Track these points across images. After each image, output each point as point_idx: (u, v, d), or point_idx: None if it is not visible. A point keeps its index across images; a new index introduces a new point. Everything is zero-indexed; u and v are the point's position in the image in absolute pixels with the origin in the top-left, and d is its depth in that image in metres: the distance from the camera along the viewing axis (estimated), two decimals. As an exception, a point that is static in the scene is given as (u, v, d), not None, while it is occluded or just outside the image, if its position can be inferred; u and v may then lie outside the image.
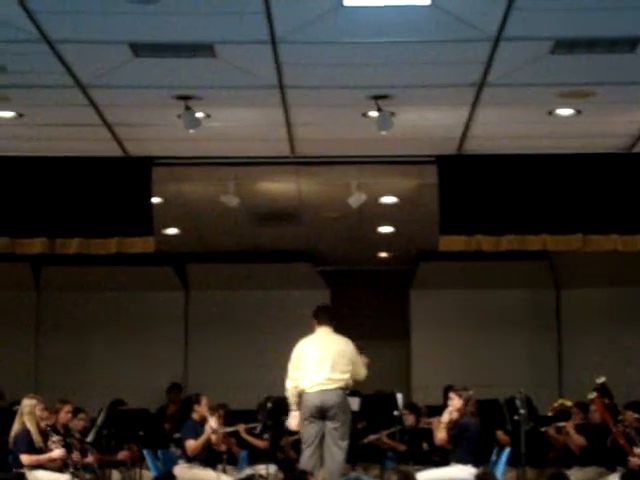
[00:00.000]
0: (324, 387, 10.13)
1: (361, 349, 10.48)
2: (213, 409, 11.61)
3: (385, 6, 7.56)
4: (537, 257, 14.79)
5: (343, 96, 9.55)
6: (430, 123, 10.40)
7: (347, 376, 10.22)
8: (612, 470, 10.75)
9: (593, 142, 11.01)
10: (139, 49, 8.41)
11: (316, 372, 10.17)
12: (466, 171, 11.35)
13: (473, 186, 11.31)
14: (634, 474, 9.69)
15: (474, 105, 9.79)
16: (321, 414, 10.11)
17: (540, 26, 7.86)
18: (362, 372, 10.40)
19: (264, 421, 11.05)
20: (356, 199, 11.97)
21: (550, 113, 10.01)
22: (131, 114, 10.11)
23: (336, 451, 10.07)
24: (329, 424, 10.10)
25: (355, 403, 10.67)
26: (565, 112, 9.98)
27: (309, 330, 10.89)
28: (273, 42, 8.24)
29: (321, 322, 10.48)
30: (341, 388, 10.17)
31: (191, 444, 11.02)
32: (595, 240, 11.25)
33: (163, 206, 12.83)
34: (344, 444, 10.11)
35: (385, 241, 15.90)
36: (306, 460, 10.14)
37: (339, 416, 10.08)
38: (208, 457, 11.14)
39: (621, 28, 7.89)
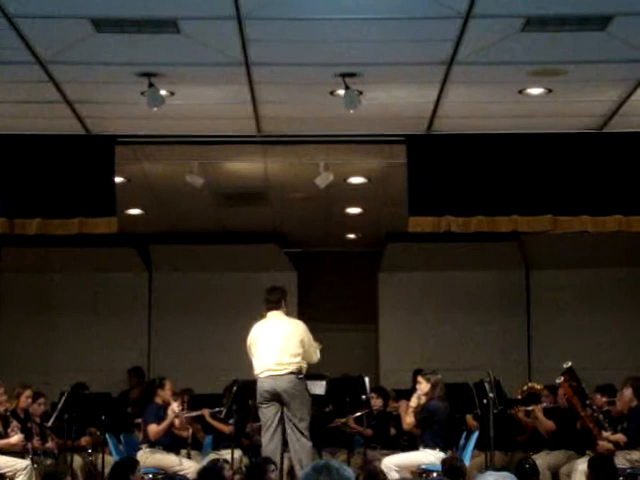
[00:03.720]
0: (274, 372, 10.04)
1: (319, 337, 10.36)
2: (177, 394, 11.47)
3: (353, -19, 7.39)
4: (507, 238, 14.69)
5: (310, 74, 9.39)
6: (399, 102, 10.25)
7: (298, 359, 10.11)
8: (581, 454, 10.71)
9: (564, 121, 10.90)
10: (101, 24, 8.21)
11: (266, 357, 10.08)
12: (435, 151, 11.22)
13: (442, 166, 11.19)
14: (602, 458, 9.63)
15: (444, 83, 9.64)
16: (275, 399, 10.01)
17: (510, 3, 7.74)
18: (314, 355, 10.28)
19: (229, 406, 10.90)
20: (323, 179, 11.81)
21: (521, 92, 9.88)
22: (93, 91, 9.89)
23: (299, 436, 9.99)
24: (286, 410, 10.02)
25: (321, 387, 10.54)
26: (536, 91, 9.86)
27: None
28: (238, 18, 8.06)
29: (269, 306, 10.36)
30: (292, 373, 10.04)
31: (153, 429, 10.88)
32: (565, 221, 11.16)
33: (126, 186, 12.63)
34: (303, 425, 10.03)
35: (353, 222, 15.77)
36: (266, 444, 10.06)
37: (294, 401, 10.00)
38: (171, 442, 11.04)
39: (592, 6, 7.79)
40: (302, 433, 10.03)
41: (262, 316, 10.48)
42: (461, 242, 14.60)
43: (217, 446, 11.56)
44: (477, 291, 16.06)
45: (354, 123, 10.62)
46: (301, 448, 10.04)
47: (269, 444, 10.06)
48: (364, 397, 11.08)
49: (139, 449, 10.96)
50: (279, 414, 10.06)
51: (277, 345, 10.10)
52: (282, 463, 10.16)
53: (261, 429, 10.28)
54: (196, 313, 16.04)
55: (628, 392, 10.19)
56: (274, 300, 10.39)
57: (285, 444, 10.12)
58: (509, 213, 11.13)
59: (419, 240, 13.84)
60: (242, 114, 10.53)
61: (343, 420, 11.58)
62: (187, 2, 7.78)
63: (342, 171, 12.54)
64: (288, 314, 10.65)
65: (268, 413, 10.07)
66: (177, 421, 11.00)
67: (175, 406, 10.96)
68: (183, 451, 11.34)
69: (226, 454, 10.67)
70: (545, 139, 11.14)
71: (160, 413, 10.97)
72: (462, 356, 15.29)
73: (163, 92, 9.59)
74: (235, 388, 10.84)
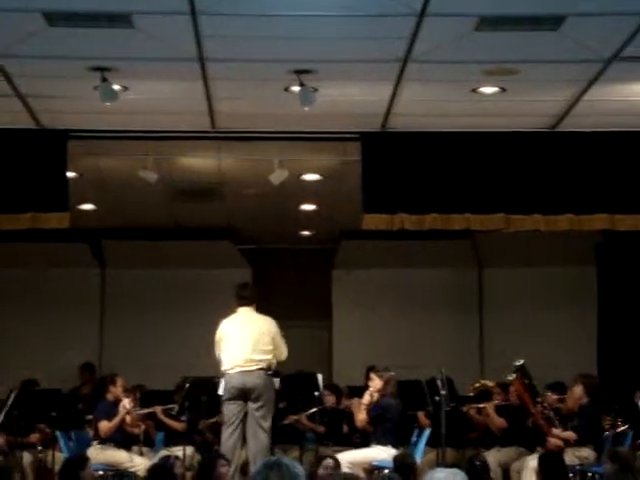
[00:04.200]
0: (245, 368, 10.03)
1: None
2: (129, 390, 11.42)
3: (308, -22, 7.38)
4: (460, 236, 14.75)
5: (265, 70, 9.36)
6: (354, 99, 10.26)
7: (269, 357, 10.12)
8: (532, 451, 10.77)
9: (517, 120, 10.96)
10: (53, 18, 8.13)
11: (236, 353, 10.06)
12: (390, 148, 11.25)
13: (397, 164, 11.22)
14: (552, 455, 9.71)
15: (398, 81, 9.66)
16: (243, 395, 10.00)
17: (465, 3, 7.76)
18: (284, 352, 10.29)
19: (181, 402, 10.87)
20: (278, 176, 11.81)
21: (474, 90, 9.92)
22: (45, 85, 9.81)
23: (259, 432, 10.00)
24: (251, 405, 10.02)
25: (275, 383, 10.54)
26: (489, 90, 9.89)
27: (230, 310, 10.73)
28: (193, 13, 8.02)
29: (242, 301, 10.34)
30: (263, 369, 10.04)
31: (104, 425, 10.84)
32: (518, 220, 11.23)
33: (79, 181, 12.53)
34: (266, 424, 10.05)
35: (307, 219, 15.76)
36: (225, 440, 10.06)
37: (261, 397, 9.99)
38: (122, 439, 10.99)
39: (545, 6, 7.82)
40: (263, 430, 10.03)
41: (233, 311, 10.45)
42: (415, 240, 14.65)
43: (169, 443, 11.52)
44: (430, 289, 16.12)
45: (309, 120, 10.61)
46: (259, 445, 10.04)
47: (229, 440, 10.05)
48: (317, 394, 11.09)
49: (90, 446, 10.90)
50: (243, 412, 10.05)
51: (249, 341, 10.08)
52: (238, 459, 10.14)
53: (223, 424, 10.25)
54: (149, 309, 15.97)
55: (578, 389, 10.28)
56: (246, 296, 10.41)
57: (244, 440, 10.10)
58: (462, 211, 11.18)
59: (373, 237, 13.88)
60: (196, 109, 10.49)
61: (296, 417, 11.58)
62: (142, -3, 7.74)
63: (296, 168, 12.53)
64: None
65: (233, 410, 10.06)
66: (128, 418, 10.96)
67: (126, 403, 10.92)
68: (135, 448, 11.29)
69: (178, 451, 10.65)
70: (498, 138, 11.20)
71: (111, 410, 10.92)
72: (415, 353, 15.34)
73: (116, 87, 9.53)
74: (187, 385, 10.81)
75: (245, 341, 10.08)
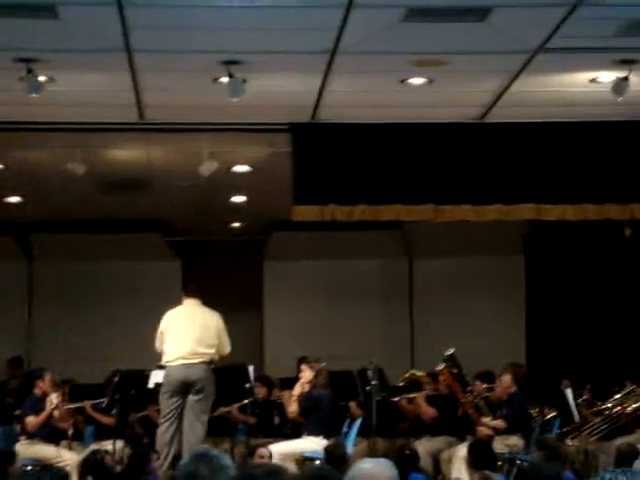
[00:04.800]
0: (188, 361, 9.98)
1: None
2: (58, 385, 11.30)
3: (235, -32, 7.34)
4: (390, 227, 14.81)
5: (193, 61, 9.31)
6: (283, 90, 10.24)
7: (213, 350, 10.10)
8: (462, 439, 10.85)
9: (445, 111, 11.02)
10: (-24, 8, 7.99)
11: (181, 345, 10.00)
12: (320, 140, 11.26)
13: (327, 155, 11.25)
14: (482, 443, 9.80)
15: (327, 73, 9.66)
16: (184, 388, 9.96)
17: (392, -7, 7.77)
18: (227, 347, 10.27)
19: (111, 396, 10.78)
20: (207, 167, 11.76)
21: (403, 82, 9.96)
22: (-31, 77, 9.65)
23: (197, 425, 9.97)
24: (192, 397, 9.98)
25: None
26: (418, 81, 9.94)
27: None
28: (119, 4, 7.94)
29: (189, 294, 10.29)
30: (206, 362, 10.00)
31: (31, 420, 10.72)
32: (447, 210, 11.30)
33: (5, 173, 12.38)
34: (205, 418, 10.05)
35: (238, 211, 15.71)
36: (162, 433, 10.01)
37: (203, 390, 9.96)
38: (51, 433, 10.87)
39: (473, -3, 7.86)
40: (201, 423, 10.00)
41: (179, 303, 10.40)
42: (345, 231, 14.67)
43: (99, 437, 11.42)
44: (361, 280, 16.17)
45: (238, 111, 10.57)
46: (195, 438, 10.01)
47: (165, 434, 10.00)
48: (248, 386, 11.08)
49: (18, 441, 10.77)
50: (182, 406, 9.99)
51: (194, 334, 10.03)
52: (172, 453, 10.08)
53: (160, 417, 10.17)
54: (78, 302, 15.79)
55: (507, 378, 10.38)
56: (194, 288, 10.34)
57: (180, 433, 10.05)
58: (392, 202, 11.24)
59: (304, 229, 13.87)
60: (124, 101, 10.40)
61: (227, 409, 11.55)
62: (66, -14, 7.64)
63: (226, 159, 12.47)
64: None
65: (172, 404, 10.00)
66: (56, 412, 10.85)
67: (54, 397, 10.81)
68: (64, 442, 11.18)
69: (108, 445, 10.57)
70: (427, 129, 11.25)
71: (39, 404, 10.80)
72: (346, 344, 15.38)
73: (42, 78, 9.39)
74: (117, 378, 10.73)
75: (191, 333, 10.02)
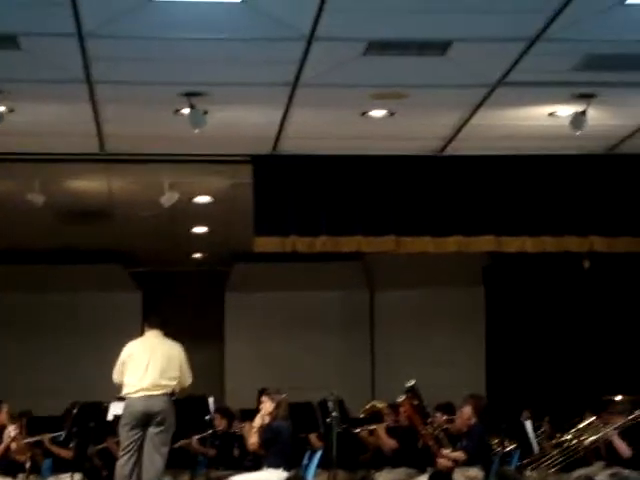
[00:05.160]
0: (150, 393, 9.89)
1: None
2: (15, 417, 11.20)
3: (196, 2, 7.38)
4: (351, 258, 14.85)
5: (154, 92, 9.32)
6: (244, 122, 10.27)
7: (175, 382, 10.02)
8: (422, 471, 10.84)
9: (406, 144, 11.09)
10: (-63, 38, 7.97)
11: (142, 377, 9.92)
12: (281, 171, 11.31)
13: (288, 186, 11.29)
14: (441, 474, 9.81)
15: (288, 105, 9.71)
16: (145, 420, 9.87)
17: (353, 27, 7.82)
18: (189, 379, 10.21)
19: (69, 428, 10.69)
20: (169, 198, 11.76)
21: (363, 114, 10.02)
22: None
23: (157, 458, 9.88)
24: (152, 430, 9.88)
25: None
26: (378, 113, 10.00)
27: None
28: (80, 36, 7.94)
29: (151, 325, 10.23)
30: (167, 394, 9.94)
31: (-13, 453, 10.62)
32: (408, 242, 11.36)
33: (-36, 203, 12.31)
34: (165, 450, 9.95)
35: (199, 242, 15.71)
36: (121, 466, 9.91)
37: (165, 422, 9.88)
38: (8, 466, 10.77)
39: (432, 31, 7.92)
40: (161, 455, 9.92)
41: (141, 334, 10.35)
42: (307, 262, 14.70)
43: (57, 470, 11.30)
44: (322, 311, 16.19)
45: (200, 142, 10.59)
46: (154, 472, 9.91)
47: (125, 467, 9.88)
48: (208, 417, 11.02)
49: (-25, 474, 10.67)
50: (142, 438, 9.91)
51: (157, 366, 9.94)
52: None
53: (120, 450, 10.08)
54: (37, 334, 15.71)
55: (467, 410, 10.38)
56: (157, 320, 10.29)
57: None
58: (353, 233, 11.29)
59: (266, 260, 13.88)
60: (85, 132, 10.40)
61: (187, 441, 11.49)
62: (28, 18, 7.62)
63: (188, 190, 12.50)
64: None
65: (133, 436, 9.89)
66: (14, 445, 10.75)
67: (11, 430, 10.71)
68: (21, 476, 11.06)
69: (66, 478, 10.47)
70: (388, 161, 11.33)
71: (-4, 438, 10.71)
72: (307, 375, 15.37)
73: (2, 108, 9.38)
74: (76, 410, 10.64)
75: (153, 365, 9.94)
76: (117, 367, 10.06)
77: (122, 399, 10.17)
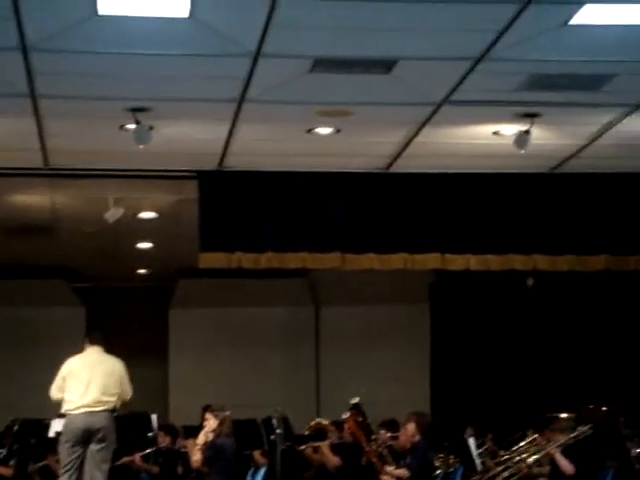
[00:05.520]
0: (91, 409, 9.80)
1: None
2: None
3: (142, 17, 7.33)
4: (296, 275, 14.85)
5: (99, 107, 9.25)
6: (190, 138, 10.24)
7: (115, 398, 9.94)
8: (366, 488, 10.84)
9: (352, 161, 11.12)
10: None
11: (84, 393, 9.82)
12: (227, 187, 11.29)
13: (234, 202, 11.27)
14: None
15: (234, 121, 9.69)
16: (86, 437, 9.78)
17: (299, 44, 7.83)
18: (130, 393, 10.14)
19: (9, 446, 10.56)
20: (113, 214, 11.70)
21: (309, 131, 10.03)
22: None
23: (98, 475, 9.80)
24: (93, 447, 9.79)
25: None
26: (324, 130, 10.02)
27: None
28: (24, 50, 7.87)
29: (93, 341, 10.15)
30: (108, 410, 9.86)
31: None
32: (353, 258, 11.38)
33: None
34: (106, 467, 9.86)
35: (144, 257, 15.63)
36: (62, 484, 9.79)
37: (106, 439, 9.79)
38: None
39: (377, 49, 7.95)
40: (102, 473, 9.83)
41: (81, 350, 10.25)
42: (252, 278, 14.68)
43: (-3, 488, 11.17)
44: (267, 327, 16.18)
45: (145, 158, 10.55)
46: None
47: None
48: (151, 434, 10.94)
49: None
50: (82, 455, 9.81)
51: (99, 382, 9.86)
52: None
53: (60, 468, 9.97)
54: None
55: (411, 427, 10.39)
56: (98, 336, 10.20)
57: None
58: (298, 250, 11.28)
59: (211, 276, 13.83)
60: (29, 146, 10.30)
61: (130, 458, 11.41)
62: (-30, 32, 7.55)
63: (133, 206, 12.45)
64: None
65: (73, 453, 9.79)
66: (-47, 463, 10.62)
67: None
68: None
69: (6, 496, 10.34)
70: (334, 178, 11.35)
71: None
72: (252, 392, 15.34)
73: (-55, 123, 9.29)
74: (16, 427, 10.52)
75: (95, 382, 9.86)
76: (56, 383, 9.97)
77: (63, 416, 10.07)
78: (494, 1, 7.09)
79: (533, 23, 7.42)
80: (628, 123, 9.75)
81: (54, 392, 9.96)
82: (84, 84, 8.64)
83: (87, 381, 9.87)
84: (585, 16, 7.27)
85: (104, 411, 9.85)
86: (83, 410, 9.82)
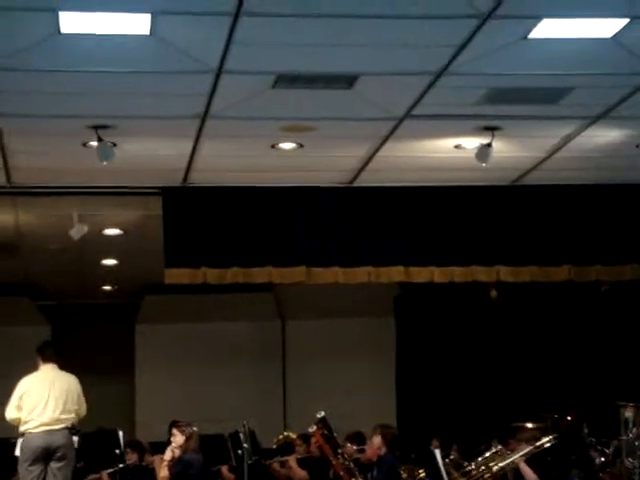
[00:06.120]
0: (50, 427, 9.77)
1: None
2: None
3: (104, 35, 7.34)
4: (262, 289, 14.87)
5: (62, 125, 9.26)
6: (154, 154, 10.26)
7: (74, 415, 9.92)
8: (333, 501, 10.87)
9: (316, 175, 11.17)
10: None
11: (42, 412, 9.78)
12: (191, 203, 11.31)
13: (198, 218, 11.29)
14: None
15: (198, 137, 9.72)
16: (45, 455, 9.73)
17: (261, 60, 7.87)
18: (85, 409, 10.12)
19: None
20: (78, 231, 11.67)
21: (273, 146, 10.07)
22: None
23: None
24: (53, 465, 9.76)
25: (74, 442, 10.32)
26: (288, 146, 10.06)
27: (29, 368, 10.47)
28: (-15, 68, 7.86)
29: (46, 359, 10.10)
30: (67, 428, 9.83)
31: None
32: (318, 272, 11.43)
33: None
34: None
35: (109, 274, 15.59)
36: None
37: (66, 457, 9.76)
38: None
39: (340, 65, 8.00)
40: None
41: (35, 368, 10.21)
42: (218, 293, 14.68)
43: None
44: (234, 342, 16.17)
45: (109, 175, 10.55)
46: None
47: None
48: (118, 451, 10.92)
49: None
50: (43, 474, 9.77)
51: (57, 400, 9.83)
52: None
53: None
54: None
55: (377, 440, 10.41)
56: (51, 353, 10.16)
57: None
58: (264, 264, 11.31)
59: (176, 292, 13.82)
60: (-9, 164, 10.29)
61: (96, 475, 11.36)
62: None
63: (97, 222, 12.43)
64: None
65: (34, 472, 9.75)
66: None
67: None
68: None
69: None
70: (298, 192, 11.40)
71: None
72: (219, 407, 15.32)
73: None
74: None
75: (53, 399, 9.83)
76: (12, 403, 9.92)
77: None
78: (454, 16, 7.16)
79: (492, 38, 7.50)
80: (587, 135, 9.87)
81: (10, 412, 9.90)
82: (46, 102, 8.65)
83: (44, 399, 9.84)
84: (543, 30, 7.37)
85: (63, 429, 9.82)
86: (42, 429, 9.79)
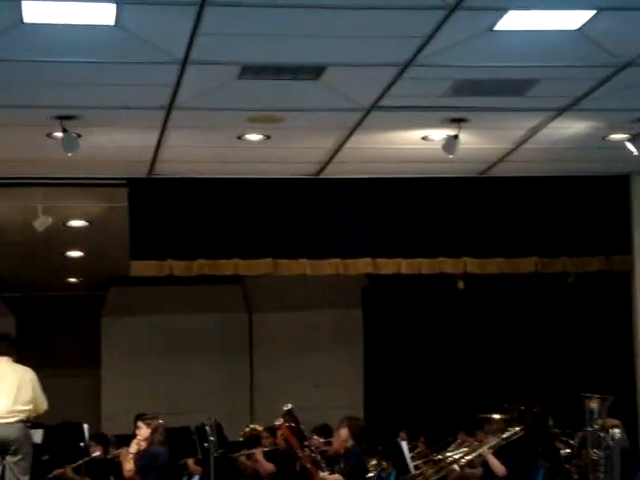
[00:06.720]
0: (5, 420, 9.68)
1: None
2: None
3: (67, 24, 7.26)
4: (229, 281, 14.82)
5: (26, 116, 9.16)
6: (120, 145, 10.18)
7: (29, 407, 9.83)
8: (300, 494, 10.85)
9: (283, 167, 11.14)
10: None
11: None
12: (157, 195, 11.27)
13: (164, 210, 11.25)
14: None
15: (163, 128, 9.66)
16: (2, 449, 9.64)
17: (227, 51, 7.81)
18: (45, 403, 10.01)
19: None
20: (42, 222, 11.58)
21: (240, 138, 10.02)
22: None
23: (19, 489, 9.65)
24: (9, 459, 9.67)
25: (38, 435, 10.26)
26: (254, 137, 10.01)
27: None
28: (-52, 57, 7.77)
29: (1, 352, 10.01)
30: (22, 421, 9.74)
31: None
32: (285, 264, 11.41)
33: None
34: (26, 479, 9.70)
35: (74, 266, 15.50)
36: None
37: (20, 450, 9.67)
38: None
39: (306, 56, 7.96)
40: None
41: None
42: (185, 285, 14.62)
43: None
44: (200, 334, 16.14)
45: (74, 166, 10.47)
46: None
47: None
48: (83, 445, 10.85)
49: None
50: (1, 467, 9.69)
51: (10, 392, 9.74)
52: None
53: None
54: None
55: (344, 432, 10.41)
56: (5, 346, 10.06)
57: None
58: (230, 256, 11.27)
59: (142, 284, 13.76)
60: (-46, 156, 10.19)
61: (61, 470, 11.29)
62: None
63: (62, 214, 12.34)
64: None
65: None
66: None
67: None
68: None
69: None
70: (264, 184, 11.37)
71: None
72: (185, 400, 15.28)
73: None
74: None
75: (6, 392, 9.75)
76: None
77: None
78: (420, 7, 7.14)
79: (459, 29, 7.48)
80: (554, 127, 9.88)
81: None
82: (10, 92, 8.55)
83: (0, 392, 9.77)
84: (509, 22, 7.35)
85: (17, 422, 9.75)
86: None
